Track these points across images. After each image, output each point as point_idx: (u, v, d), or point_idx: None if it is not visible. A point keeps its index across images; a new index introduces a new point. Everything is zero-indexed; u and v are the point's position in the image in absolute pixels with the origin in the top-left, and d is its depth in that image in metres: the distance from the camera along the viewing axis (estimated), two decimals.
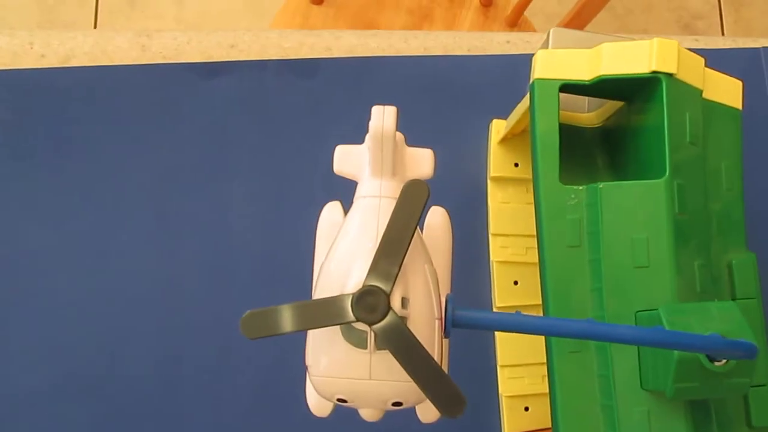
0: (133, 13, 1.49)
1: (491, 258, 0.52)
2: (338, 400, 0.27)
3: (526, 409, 0.50)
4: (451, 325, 0.24)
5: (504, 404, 0.50)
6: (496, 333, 0.51)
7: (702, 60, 0.39)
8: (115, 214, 0.52)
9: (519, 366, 0.50)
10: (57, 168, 0.52)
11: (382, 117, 0.27)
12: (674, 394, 0.32)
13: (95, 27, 1.48)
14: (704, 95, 0.40)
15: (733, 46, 0.58)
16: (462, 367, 0.49)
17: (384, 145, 0.28)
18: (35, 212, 0.51)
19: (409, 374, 0.23)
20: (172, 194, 0.52)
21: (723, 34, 1.54)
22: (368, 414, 0.28)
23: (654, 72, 0.37)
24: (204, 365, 0.50)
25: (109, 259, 0.51)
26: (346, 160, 0.30)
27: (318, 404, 0.29)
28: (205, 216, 0.52)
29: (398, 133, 0.29)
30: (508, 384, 0.50)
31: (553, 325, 0.24)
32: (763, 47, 0.58)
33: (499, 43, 0.56)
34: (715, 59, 0.58)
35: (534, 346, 0.50)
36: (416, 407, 0.29)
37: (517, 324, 0.24)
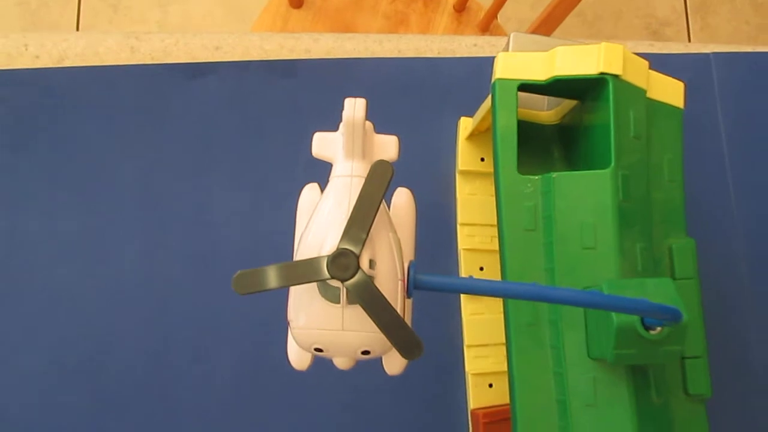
0: (116, 17, 1.51)
1: (459, 246, 0.56)
2: (315, 350, 0.30)
3: (490, 385, 0.53)
4: (413, 286, 0.28)
5: (470, 381, 0.53)
6: (464, 315, 0.54)
7: (646, 63, 0.43)
8: (106, 206, 0.54)
9: (484, 346, 0.54)
10: (51, 163, 0.55)
11: (353, 107, 0.31)
12: (615, 360, 0.35)
13: (77, 30, 1.50)
14: (648, 95, 0.43)
15: (685, 51, 0.62)
16: (432, 347, 0.53)
17: (355, 131, 0.31)
18: (31, 204, 0.54)
19: (376, 324, 0.26)
20: (160, 187, 0.55)
21: (689, 40, 1.59)
22: (341, 362, 0.31)
23: (601, 73, 0.40)
24: (189, 347, 0.53)
25: (100, 250, 0.54)
26: (323, 144, 0.34)
27: (298, 358, 0.32)
28: (190, 207, 0.55)
29: (367, 122, 0.32)
30: (473, 363, 0.54)
31: (501, 287, 0.28)
32: (713, 53, 0.62)
33: (467, 46, 0.60)
34: (669, 64, 0.63)
35: (498, 327, 0.54)
36: (383, 359, 0.33)
37: (470, 286, 0.28)
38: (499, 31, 1.11)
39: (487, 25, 1.08)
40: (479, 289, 0.27)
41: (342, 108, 0.32)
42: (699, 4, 1.61)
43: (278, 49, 0.58)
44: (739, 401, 0.56)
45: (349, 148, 0.32)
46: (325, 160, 0.34)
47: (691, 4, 1.60)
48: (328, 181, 0.33)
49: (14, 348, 0.52)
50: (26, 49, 0.57)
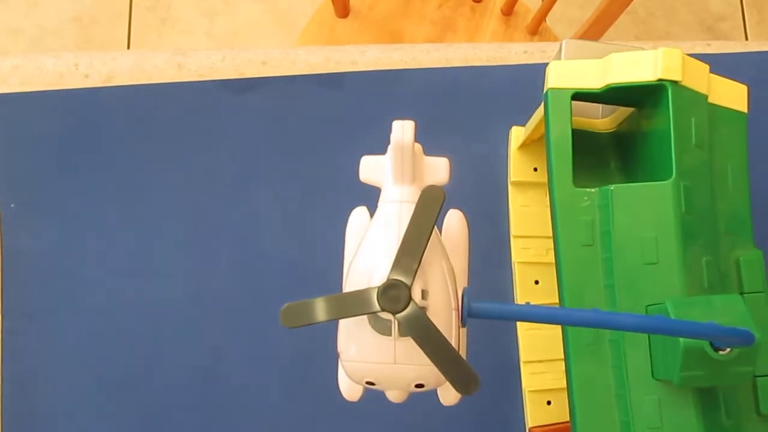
0: (164, 30, 1.54)
1: (513, 259, 0.55)
2: (367, 383, 0.30)
3: (549, 403, 0.52)
4: (467, 315, 0.27)
5: (527, 399, 0.52)
6: (519, 331, 0.53)
7: (707, 67, 0.42)
8: (154, 221, 0.55)
9: (541, 362, 0.53)
10: (100, 180, 0.56)
11: (402, 130, 0.31)
12: (681, 382, 0.34)
13: (128, 44, 1.53)
14: (710, 100, 0.42)
15: (745, 50, 0.60)
16: (487, 363, 0.52)
17: (404, 155, 0.31)
18: (80, 220, 0.55)
19: (429, 358, 0.26)
20: (206, 202, 0.56)
21: (746, 35, 1.55)
22: (394, 396, 0.31)
23: (660, 80, 0.39)
24: (236, 364, 0.53)
25: (148, 266, 0.55)
26: (371, 169, 0.34)
27: (349, 388, 0.32)
28: (236, 221, 0.56)
29: (417, 144, 0.32)
30: (530, 379, 0.53)
31: (558, 314, 0.27)
32: None
33: (516, 53, 0.59)
34: (728, 64, 0.60)
35: (555, 342, 0.52)
36: (438, 390, 0.32)
37: (526, 313, 0.27)
38: (548, 35, 1.10)
39: (536, 29, 1.07)
40: (538, 317, 0.26)
41: (390, 129, 0.31)
42: None
43: (324, 62, 0.58)
44: None
45: (398, 172, 0.31)
46: (373, 185, 0.33)
47: None
48: (376, 206, 0.32)
49: (64, 363, 0.53)
50: (76, 69, 0.58)
